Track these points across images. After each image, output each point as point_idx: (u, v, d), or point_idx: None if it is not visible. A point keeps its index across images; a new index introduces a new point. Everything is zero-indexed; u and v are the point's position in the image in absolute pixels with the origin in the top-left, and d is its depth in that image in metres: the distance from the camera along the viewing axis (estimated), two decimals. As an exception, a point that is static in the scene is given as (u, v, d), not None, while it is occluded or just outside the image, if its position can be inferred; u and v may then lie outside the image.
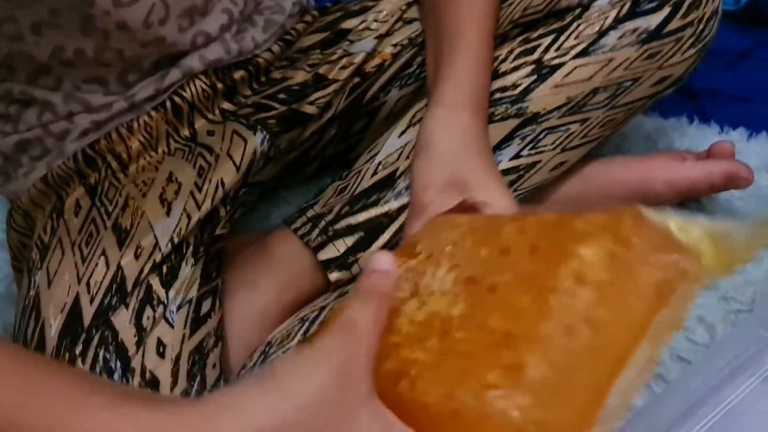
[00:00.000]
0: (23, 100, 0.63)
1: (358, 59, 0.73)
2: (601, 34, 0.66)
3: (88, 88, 0.63)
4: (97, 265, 0.58)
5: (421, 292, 0.41)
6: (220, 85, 0.68)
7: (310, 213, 0.68)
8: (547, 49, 0.67)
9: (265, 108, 0.70)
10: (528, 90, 0.66)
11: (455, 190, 0.53)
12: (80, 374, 0.44)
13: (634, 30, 0.65)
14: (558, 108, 0.67)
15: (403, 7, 0.73)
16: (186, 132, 0.67)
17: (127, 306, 0.55)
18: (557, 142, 0.68)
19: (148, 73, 0.65)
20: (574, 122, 0.67)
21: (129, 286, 0.56)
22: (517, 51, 0.68)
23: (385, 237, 0.65)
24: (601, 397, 0.34)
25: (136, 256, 0.58)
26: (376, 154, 0.69)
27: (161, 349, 0.55)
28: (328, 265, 0.65)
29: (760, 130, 0.83)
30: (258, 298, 0.65)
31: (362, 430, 0.35)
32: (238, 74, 0.69)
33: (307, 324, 0.61)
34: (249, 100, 0.70)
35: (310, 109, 0.72)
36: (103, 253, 0.58)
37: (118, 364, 0.53)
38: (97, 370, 0.53)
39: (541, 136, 0.67)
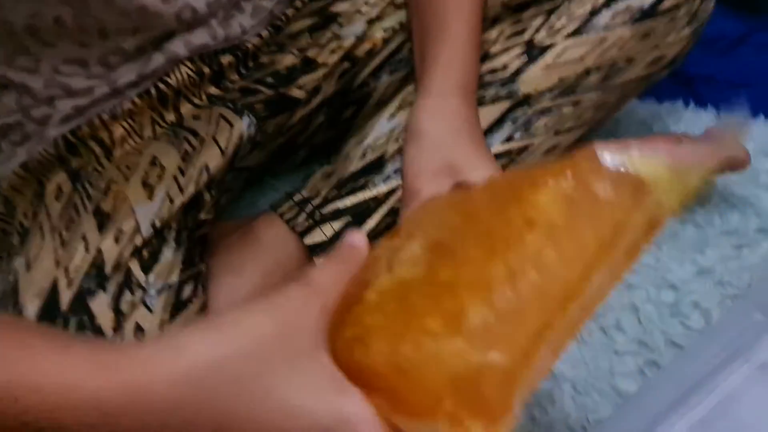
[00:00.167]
0: (0, 84, 0.62)
1: (347, 43, 0.72)
2: (594, 13, 0.65)
3: (68, 70, 0.62)
4: (76, 249, 0.56)
5: (393, 265, 0.41)
6: (206, 70, 0.66)
7: (297, 197, 0.67)
8: (538, 30, 0.66)
9: (252, 92, 0.69)
10: (519, 71, 0.65)
11: (447, 175, 0.52)
12: (23, 322, 0.45)
13: (627, 9, 0.64)
14: (550, 90, 0.65)
15: None
16: (171, 117, 0.66)
17: (105, 290, 0.54)
18: (550, 125, 0.66)
19: (130, 57, 0.63)
20: (567, 104, 0.66)
21: (108, 270, 0.55)
22: (507, 32, 0.67)
23: (372, 221, 0.64)
24: (543, 335, 0.34)
25: (117, 240, 0.57)
26: (364, 138, 0.68)
27: (140, 334, 0.54)
28: (314, 250, 0.64)
29: (757, 113, 0.82)
30: (243, 283, 0.63)
31: (298, 382, 0.34)
32: (225, 59, 0.68)
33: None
34: (236, 84, 0.69)
35: (298, 94, 0.71)
36: (83, 237, 0.57)
37: None
38: None
39: (533, 119, 0.66)
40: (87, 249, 0.56)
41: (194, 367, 0.33)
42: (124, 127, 0.64)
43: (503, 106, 0.65)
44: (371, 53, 0.73)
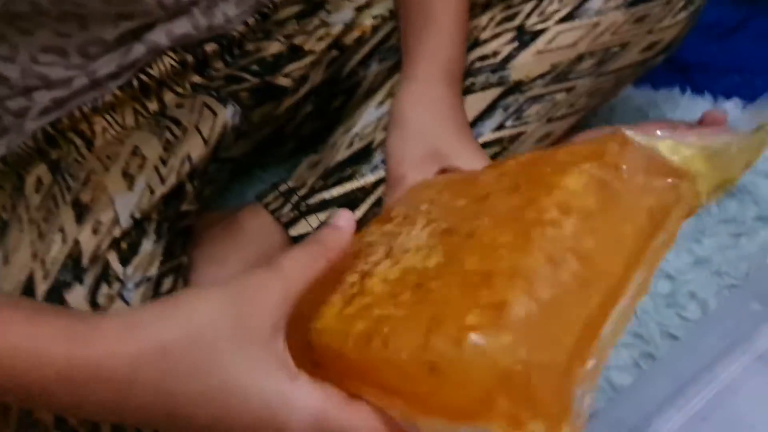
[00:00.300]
0: None
1: (335, 30, 0.70)
2: None
3: (46, 59, 0.60)
4: (53, 241, 0.55)
5: (395, 252, 0.38)
6: (190, 59, 0.65)
7: (283, 188, 0.66)
8: (529, 15, 0.64)
9: (237, 80, 0.67)
10: (509, 57, 0.64)
11: (432, 161, 0.51)
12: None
13: None
14: (542, 76, 0.64)
15: None
16: (154, 106, 0.65)
17: (82, 283, 0.53)
18: (542, 113, 0.65)
19: (111, 47, 0.62)
20: (560, 91, 0.65)
21: (85, 262, 0.54)
22: (498, 18, 0.66)
23: (359, 212, 0.62)
24: (595, 330, 0.31)
25: (95, 232, 0.55)
26: (352, 126, 0.67)
27: None
28: (299, 241, 0.62)
29: (754, 100, 0.80)
30: (226, 274, 0.62)
31: (248, 366, 0.34)
32: (209, 47, 0.66)
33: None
34: (221, 72, 0.68)
35: (284, 82, 0.69)
36: (61, 229, 0.56)
37: None
38: None
39: (525, 107, 0.64)
40: (64, 240, 0.55)
41: (146, 348, 0.33)
42: (105, 119, 0.62)
43: (494, 93, 0.64)
44: (360, 41, 0.71)
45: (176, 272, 0.58)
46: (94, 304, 0.52)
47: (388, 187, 0.53)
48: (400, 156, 0.52)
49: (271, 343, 0.34)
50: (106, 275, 0.54)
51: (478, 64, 0.64)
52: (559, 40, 0.63)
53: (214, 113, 0.64)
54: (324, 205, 0.63)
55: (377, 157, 0.63)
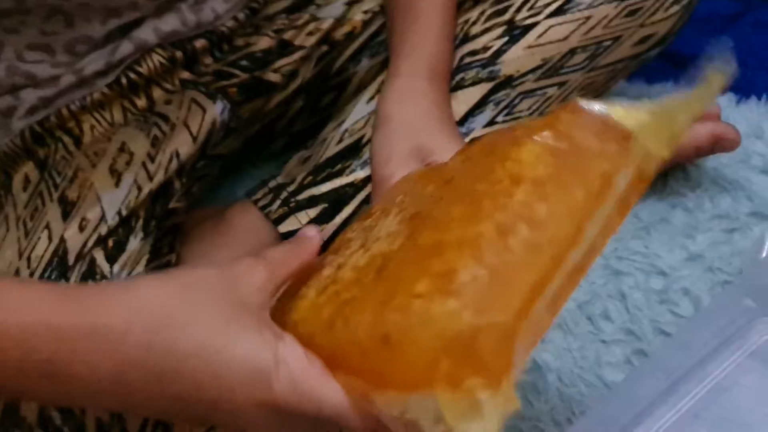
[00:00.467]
0: None
1: (326, 25, 0.70)
2: None
3: (32, 57, 0.59)
4: (39, 238, 0.54)
5: (368, 242, 0.39)
6: (179, 54, 0.64)
7: (272, 184, 0.65)
8: (519, 9, 0.64)
9: (226, 76, 0.67)
10: (500, 52, 0.63)
11: (417, 158, 0.51)
12: None
13: None
14: (533, 70, 0.63)
15: None
16: (143, 103, 0.64)
17: (68, 280, 0.52)
18: (534, 107, 0.64)
19: (98, 45, 0.61)
20: (552, 86, 0.64)
21: (71, 260, 0.53)
22: (488, 12, 0.65)
23: (349, 209, 0.62)
24: (540, 291, 0.32)
25: (81, 229, 0.55)
26: (342, 122, 0.66)
27: None
28: (288, 238, 0.62)
29: (749, 95, 0.80)
30: None
31: (237, 326, 0.35)
32: (199, 43, 0.65)
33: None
34: (210, 68, 0.67)
35: (274, 78, 0.68)
36: (47, 226, 0.55)
37: None
38: None
39: (516, 101, 0.64)
40: (50, 238, 0.54)
41: (140, 304, 0.34)
42: (94, 117, 0.62)
43: (485, 88, 0.63)
44: (350, 36, 0.71)
45: (164, 270, 0.57)
46: (79, 303, 0.52)
47: (374, 188, 0.52)
48: (387, 154, 0.52)
49: (260, 314, 0.36)
50: (92, 273, 0.53)
51: (468, 59, 0.63)
52: (550, 34, 0.63)
53: (203, 109, 0.64)
54: (313, 201, 0.62)
55: (367, 153, 0.63)
